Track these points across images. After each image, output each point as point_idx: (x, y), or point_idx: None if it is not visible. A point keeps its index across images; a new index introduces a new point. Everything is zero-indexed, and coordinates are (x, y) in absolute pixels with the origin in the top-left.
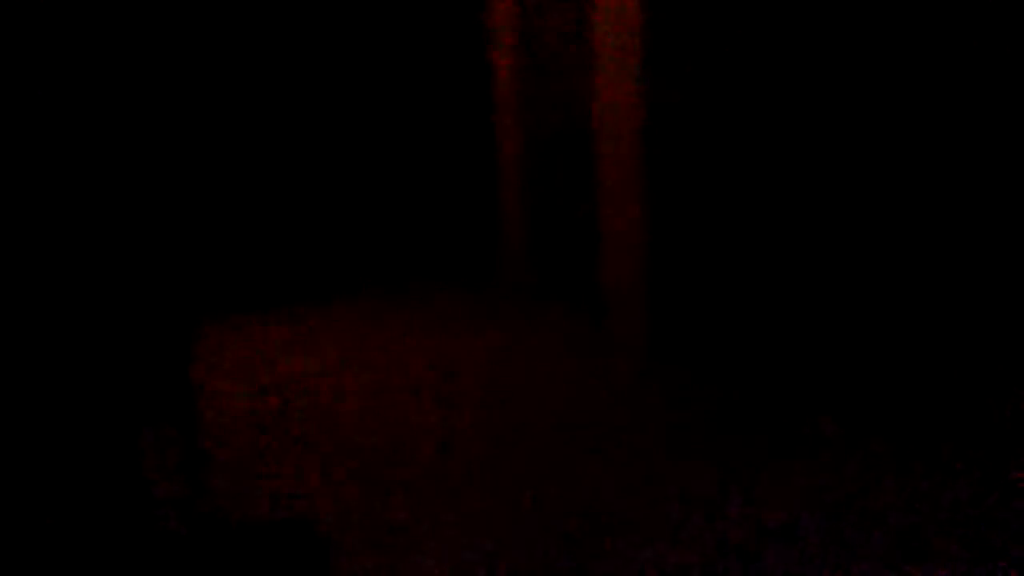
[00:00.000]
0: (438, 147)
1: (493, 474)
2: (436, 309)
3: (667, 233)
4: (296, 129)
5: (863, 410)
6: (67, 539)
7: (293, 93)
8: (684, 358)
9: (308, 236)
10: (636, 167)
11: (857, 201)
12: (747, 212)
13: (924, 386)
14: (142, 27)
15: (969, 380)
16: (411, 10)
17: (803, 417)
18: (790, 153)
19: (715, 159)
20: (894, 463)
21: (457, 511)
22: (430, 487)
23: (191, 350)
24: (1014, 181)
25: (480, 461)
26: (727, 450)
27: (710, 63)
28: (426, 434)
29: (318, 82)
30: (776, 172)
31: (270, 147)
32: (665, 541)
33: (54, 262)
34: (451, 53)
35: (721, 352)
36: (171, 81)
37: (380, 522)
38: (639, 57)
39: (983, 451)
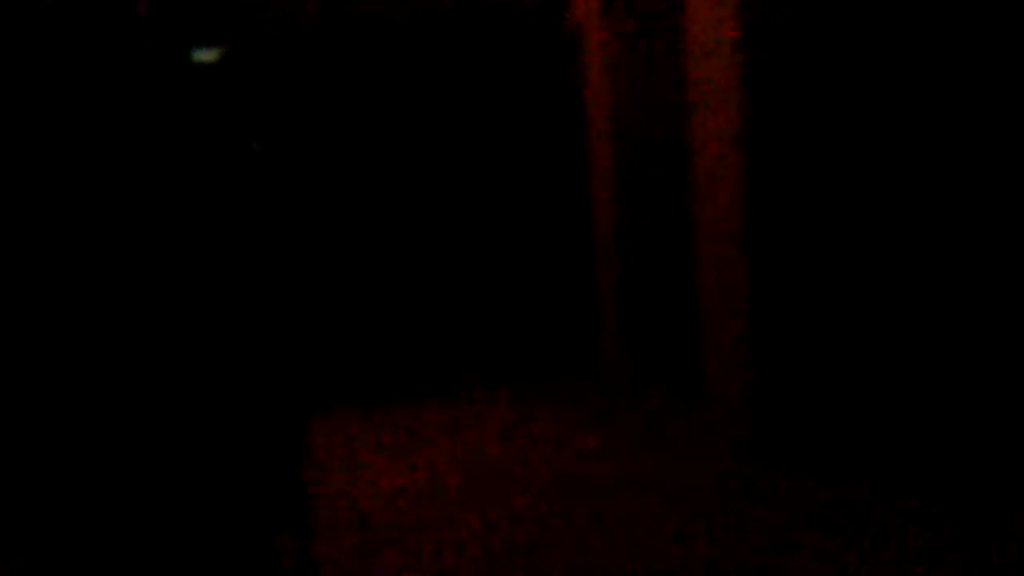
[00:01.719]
0: (537, 245)
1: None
2: (538, 404)
3: (771, 326)
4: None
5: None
6: None
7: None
8: (789, 453)
9: (404, 334)
10: (740, 259)
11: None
12: (855, 308)
13: None
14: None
15: None
16: (513, 113)
17: (899, 519)
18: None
19: (824, 256)
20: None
21: None
22: None
23: (305, 450)
24: None
25: (576, 559)
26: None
27: (816, 155)
28: (528, 536)
29: (415, 171)
30: (892, 265)
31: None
32: None
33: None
34: (549, 145)
35: (828, 448)
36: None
37: None
38: (740, 155)
39: None
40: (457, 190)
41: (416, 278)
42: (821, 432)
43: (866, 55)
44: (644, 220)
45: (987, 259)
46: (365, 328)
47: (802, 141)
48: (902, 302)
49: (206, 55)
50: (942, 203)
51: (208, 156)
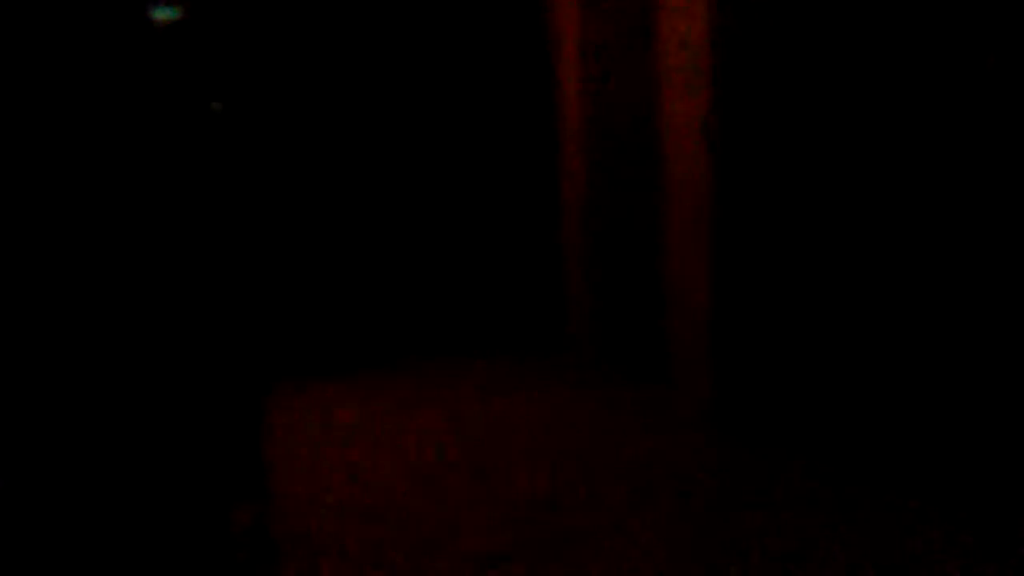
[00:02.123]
0: (503, 215)
1: (561, 537)
2: (501, 377)
3: (733, 301)
4: (354, 192)
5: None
6: None
7: (358, 154)
8: (750, 428)
9: (369, 302)
10: (705, 234)
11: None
12: (819, 281)
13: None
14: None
15: None
16: (476, 64)
17: (871, 493)
18: (865, 215)
19: (788, 227)
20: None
21: None
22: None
23: (264, 424)
24: None
25: (543, 528)
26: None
27: (786, 119)
28: (486, 504)
29: (381, 137)
30: (852, 236)
31: (330, 209)
32: None
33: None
34: (516, 108)
35: (788, 422)
36: (249, 150)
37: None
38: (709, 106)
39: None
40: (424, 161)
41: (380, 250)
42: (785, 409)
43: (835, 40)
44: (613, 195)
45: (962, 238)
46: (326, 301)
47: (772, 113)
48: (873, 275)
49: (166, 14)
50: (913, 177)
51: (166, 115)
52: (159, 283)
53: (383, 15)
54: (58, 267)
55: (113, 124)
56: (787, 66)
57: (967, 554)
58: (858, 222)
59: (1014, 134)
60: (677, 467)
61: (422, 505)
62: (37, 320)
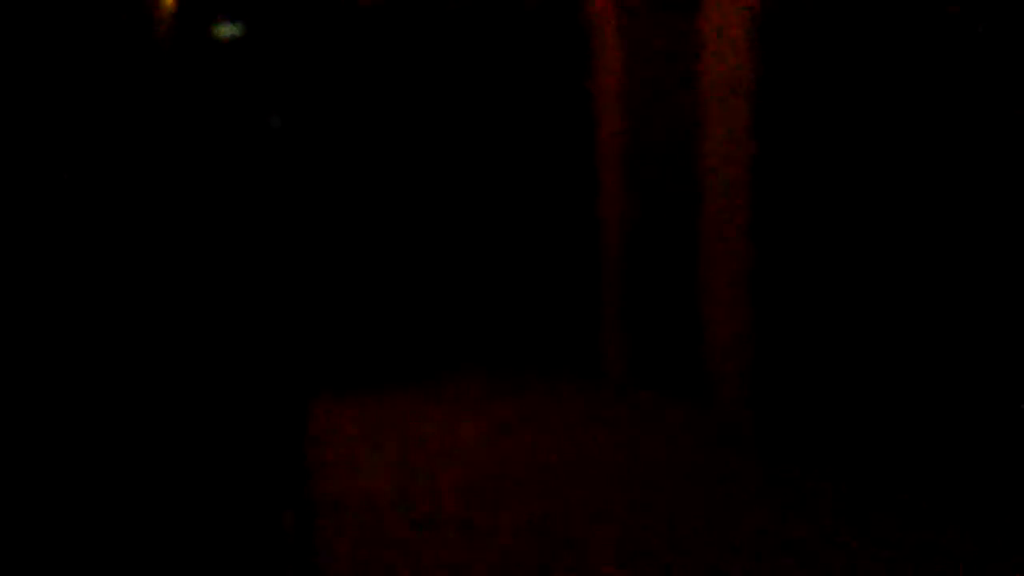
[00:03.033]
0: (541, 232)
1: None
2: (537, 396)
3: (772, 320)
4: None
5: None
6: None
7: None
8: (793, 449)
9: (408, 318)
10: (744, 260)
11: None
12: (858, 307)
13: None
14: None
15: None
16: (518, 99)
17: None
18: (908, 241)
19: (826, 250)
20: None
21: None
22: None
23: (306, 431)
24: None
25: (588, 552)
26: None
27: (823, 151)
28: (529, 534)
29: (423, 155)
30: (893, 265)
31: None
32: None
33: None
34: (555, 128)
35: (829, 443)
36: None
37: None
38: (748, 149)
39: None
40: (465, 180)
41: (422, 267)
42: (823, 430)
43: (874, 54)
44: (651, 215)
45: (992, 255)
46: (366, 315)
47: (809, 139)
48: (907, 299)
49: (227, 30)
50: (948, 199)
51: (226, 130)
52: (214, 295)
53: (435, 38)
54: (117, 273)
55: (168, 144)
56: (827, 89)
57: None
58: (894, 241)
59: None
60: (710, 484)
61: (465, 514)
62: (95, 327)
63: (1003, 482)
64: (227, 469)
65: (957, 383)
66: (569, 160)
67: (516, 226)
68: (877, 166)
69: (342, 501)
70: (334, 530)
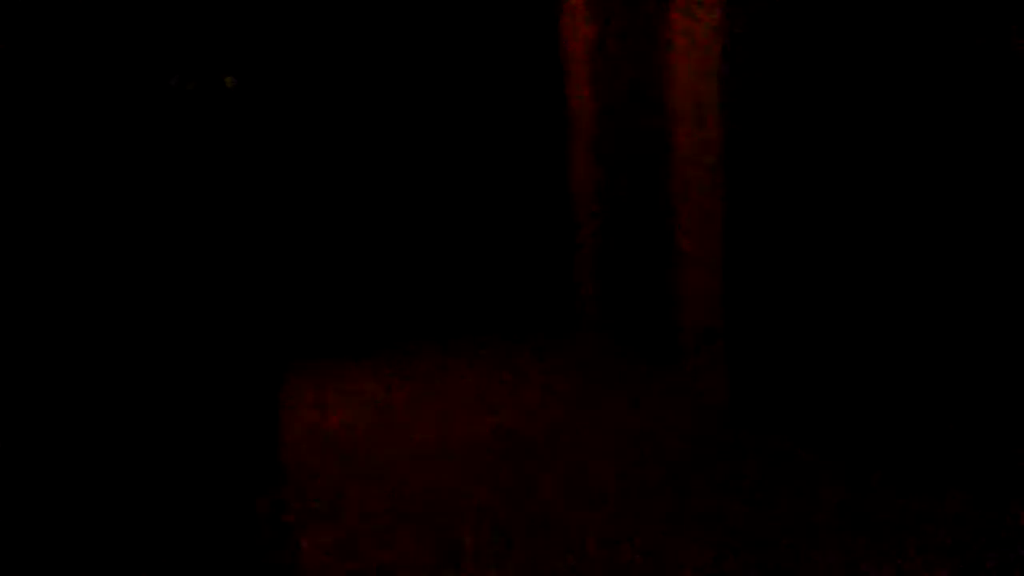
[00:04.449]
0: (513, 195)
1: (556, 527)
2: (510, 359)
3: (748, 286)
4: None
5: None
6: None
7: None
8: (765, 416)
9: (381, 286)
10: (717, 218)
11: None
12: (833, 268)
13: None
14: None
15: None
16: (485, 53)
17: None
18: (877, 201)
19: (800, 209)
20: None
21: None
22: (497, 539)
23: (279, 404)
24: None
25: (548, 517)
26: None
27: (797, 104)
28: (495, 490)
29: (395, 124)
30: (867, 221)
31: (338, 190)
32: None
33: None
34: (526, 100)
35: (804, 411)
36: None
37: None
38: (719, 99)
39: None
40: (433, 140)
41: (388, 229)
42: (795, 394)
43: (845, 18)
44: (622, 178)
45: (961, 216)
46: (331, 279)
47: (784, 96)
48: (881, 260)
49: None
50: (924, 166)
51: (177, 91)
52: (175, 271)
53: (402, 14)
54: (68, 248)
55: (115, 93)
56: (798, 58)
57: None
58: (869, 202)
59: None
60: (679, 448)
61: (435, 480)
62: (48, 308)
63: (983, 448)
64: (198, 450)
65: (933, 346)
66: (539, 125)
67: (489, 191)
68: (849, 124)
69: (303, 471)
70: (301, 506)
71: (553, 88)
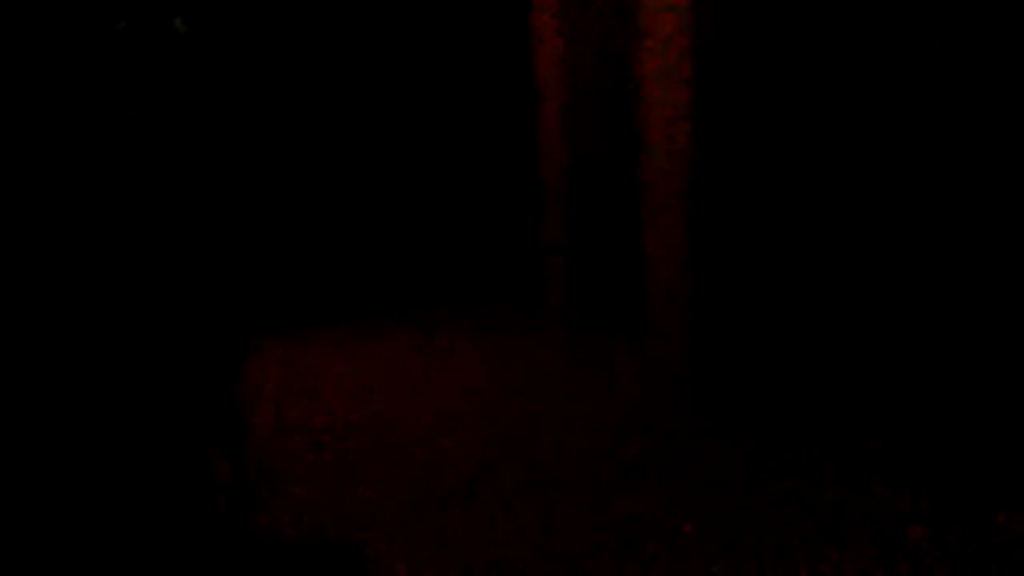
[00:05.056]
0: (481, 169)
1: (525, 498)
2: (478, 342)
3: (713, 260)
4: (335, 150)
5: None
6: (141, 556)
7: (338, 113)
8: (729, 389)
9: (343, 255)
10: (683, 190)
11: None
12: (799, 241)
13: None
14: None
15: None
16: (452, 28)
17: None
18: (843, 179)
19: (767, 187)
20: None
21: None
22: (469, 503)
23: (241, 369)
24: None
25: (514, 489)
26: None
27: (765, 84)
28: (465, 459)
29: (362, 99)
30: (832, 197)
31: (310, 163)
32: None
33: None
34: (493, 69)
35: (766, 382)
36: (227, 111)
37: (425, 535)
38: (687, 78)
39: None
40: (400, 114)
41: (354, 203)
42: (761, 370)
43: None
44: (592, 154)
45: (936, 194)
46: (306, 255)
47: (752, 77)
48: (851, 237)
49: None
50: (894, 143)
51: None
52: (134, 238)
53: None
54: (27, 217)
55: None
56: (766, 30)
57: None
58: (839, 181)
59: (969, 135)
60: (638, 420)
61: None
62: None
63: (947, 433)
64: (161, 412)
65: (899, 317)
66: (508, 101)
67: (459, 170)
68: (823, 100)
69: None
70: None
71: (523, 71)
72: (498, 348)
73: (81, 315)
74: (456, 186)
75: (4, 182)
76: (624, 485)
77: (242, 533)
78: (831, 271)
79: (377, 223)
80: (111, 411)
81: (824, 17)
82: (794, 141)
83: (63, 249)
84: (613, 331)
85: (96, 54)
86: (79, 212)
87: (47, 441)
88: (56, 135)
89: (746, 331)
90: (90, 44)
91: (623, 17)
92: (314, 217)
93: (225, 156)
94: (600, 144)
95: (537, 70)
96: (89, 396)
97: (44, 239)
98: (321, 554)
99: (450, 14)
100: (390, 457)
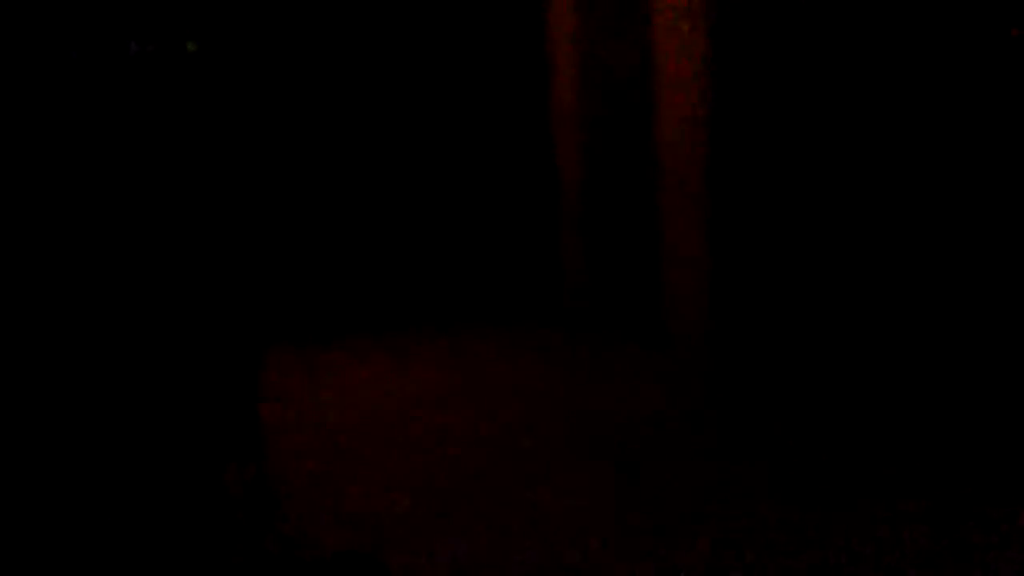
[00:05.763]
0: (500, 181)
1: (555, 492)
2: (499, 345)
3: (732, 263)
4: (354, 162)
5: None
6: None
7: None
8: (748, 391)
9: (366, 268)
10: (702, 201)
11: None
12: (816, 242)
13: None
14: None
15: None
16: (469, 38)
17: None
18: (860, 182)
19: (783, 190)
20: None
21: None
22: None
23: (259, 383)
24: None
25: (542, 483)
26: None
27: (779, 91)
28: (493, 476)
29: (379, 110)
30: (848, 202)
31: (326, 176)
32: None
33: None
34: (509, 79)
35: (786, 388)
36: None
37: (445, 548)
38: (704, 85)
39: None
40: (418, 121)
41: (373, 211)
42: (780, 375)
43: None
44: (609, 159)
45: (946, 196)
46: (312, 260)
47: (767, 72)
48: (867, 240)
49: None
50: (908, 141)
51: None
52: (153, 243)
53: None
54: (38, 219)
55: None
56: (781, 35)
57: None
58: (854, 183)
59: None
60: (659, 425)
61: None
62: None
63: (965, 435)
64: (178, 422)
65: (916, 324)
66: (525, 108)
67: (476, 178)
68: (837, 104)
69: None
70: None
71: (539, 74)
72: (515, 355)
73: (102, 328)
74: (475, 197)
75: (27, 201)
76: (640, 498)
77: (260, 548)
78: (842, 274)
79: (394, 232)
80: (128, 423)
81: (836, 18)
82: (810, 143)
83: (85, 260)
84: (634, 339)
85: (112, 77)
86: (99, 225)
87: (64, 453)
88: (83, 156)
89: (764, 332)
90: (106, 67)
91: (637, 29)
92: (332, 229)
93: (242, 171)
94: (616, 157)
95: (553, 96)
96: (106, 408)
97: (66, 250)
98: (345, 569)
99: (469, 21)
100: (420, 468)
